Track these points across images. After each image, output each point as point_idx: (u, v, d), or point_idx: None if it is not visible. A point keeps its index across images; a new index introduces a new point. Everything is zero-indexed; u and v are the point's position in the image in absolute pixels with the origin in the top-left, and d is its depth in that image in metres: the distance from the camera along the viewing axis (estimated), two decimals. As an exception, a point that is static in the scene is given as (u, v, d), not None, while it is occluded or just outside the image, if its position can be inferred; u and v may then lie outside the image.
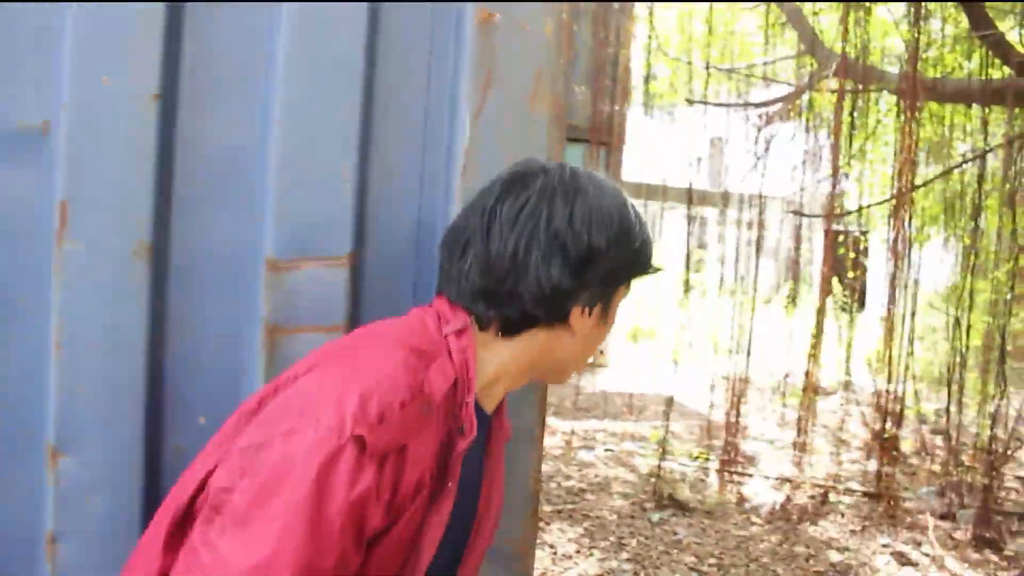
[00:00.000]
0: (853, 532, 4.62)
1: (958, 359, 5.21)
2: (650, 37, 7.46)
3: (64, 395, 1.16)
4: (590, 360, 1.14)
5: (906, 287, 5.28)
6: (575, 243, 0.98)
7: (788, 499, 4.87)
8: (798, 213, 5.88)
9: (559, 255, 0.97)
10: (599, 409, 7.42)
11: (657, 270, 1.10)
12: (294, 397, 0.91)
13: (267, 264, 1.22)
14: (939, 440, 6.09)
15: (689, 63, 7.41)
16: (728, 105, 6.50)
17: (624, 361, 9.94)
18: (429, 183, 1.30)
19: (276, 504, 0.82)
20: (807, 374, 5.23)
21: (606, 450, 6.05)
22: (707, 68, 6.50)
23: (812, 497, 5.00)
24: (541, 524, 4.45)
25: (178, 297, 1.22)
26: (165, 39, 1.18)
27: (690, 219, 6.26)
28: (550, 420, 6.90)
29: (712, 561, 4.10)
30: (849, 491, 5.24)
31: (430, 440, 0.92)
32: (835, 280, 8.84)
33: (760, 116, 7.12)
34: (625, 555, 4.10)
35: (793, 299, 9.02)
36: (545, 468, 5.48)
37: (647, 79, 7.96)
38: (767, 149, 6.33)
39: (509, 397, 1.32)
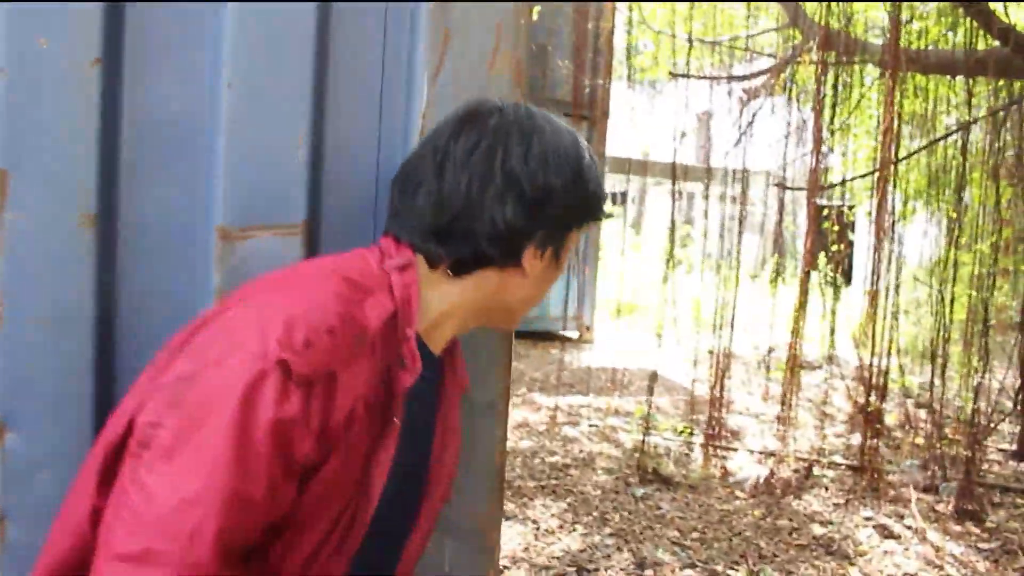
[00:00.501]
0: (837, 505, 4.64)
1: (942, 333, 5.22)
2: (631, 10, 7.41)
3: (9, 370, 1.13)
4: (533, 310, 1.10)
5: (890, 261, 5.27)
6: (531, 182, 0.97)
7: (772, 473, 4.88)
8: (781, 186, 5.86)
9: (514, 194, 0.96)
10: (584, 384, 7.41)
11: (608, 216, 1.09)
12: (221, 328, 0.90)
13: (218, 233, 1.18)
14: (923, 413, 6.11)
15: (673, 36, 7.35)
16: (711, 78, 6.45)
17: (610, 337, 9.95)
18: (386, 148, 1.26)
19: (202, 435, 0.81)
20: (791, 348, 5.22)
21: (591, 425, 6.05)
22: (689, 41, 6.45)
23: (796, 471, 5.01)
24: (524, 500, 4.44)
25: (127, 268, 1.18)
26: (106, 3, 1.13)
27: (675, 194, 6.23)
28: (535, 396, 6.90)
29: (695, 535, 4.11)
30: (833, 464, 5.26)
31: (364, 371, 0.90)
32: (821, 254, 8.84)
33: (744, 90, 7.09)
34: (608, 530, 4.10)
35: (778, 273, 9.03)
36: (528, 444, 5.47)
37: (629, 52, 7.90)
38: (751, 123, 6.30)
39: (472, 369, 1.29)
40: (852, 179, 6.26)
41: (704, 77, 6.82)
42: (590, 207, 1.03)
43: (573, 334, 10.43)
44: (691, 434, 5.79)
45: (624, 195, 16.36)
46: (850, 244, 9.12)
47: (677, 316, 5.88)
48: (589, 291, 10.49)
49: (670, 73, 6.61)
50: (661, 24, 8.68)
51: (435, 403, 1.10)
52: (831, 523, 4.37)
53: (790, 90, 6.49)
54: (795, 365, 5.08)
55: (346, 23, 1.25)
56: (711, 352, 5.81)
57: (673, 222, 5.81)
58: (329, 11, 1.24)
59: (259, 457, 0.81)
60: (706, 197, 6.40)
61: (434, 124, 1.22)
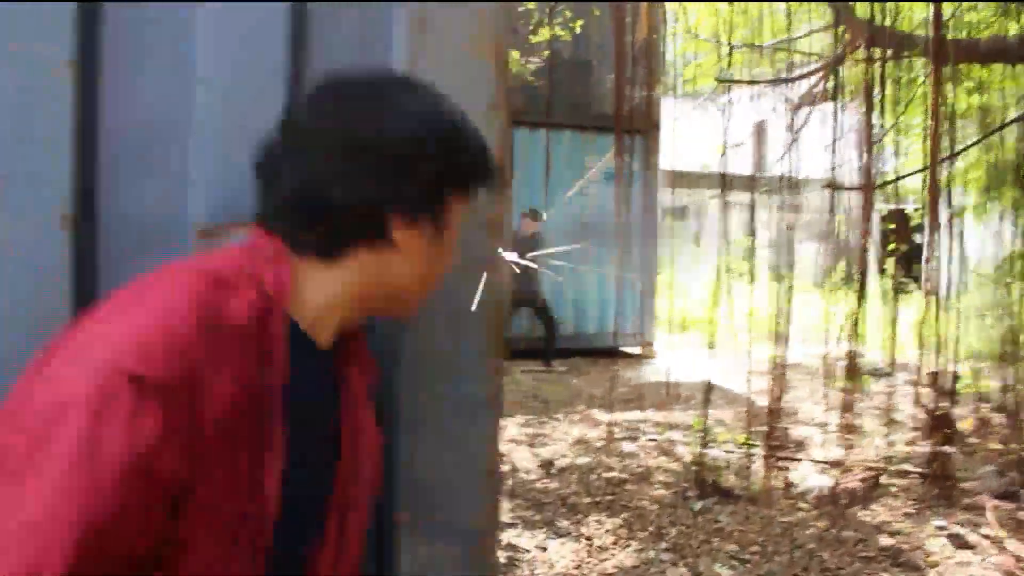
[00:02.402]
0: (906, 515, 4.45)
1: (1016, 333, 5.00)
2: (677, 19, 7.35)
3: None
4: (430, 289, 1.04)
5: (957, 261, 5.08)
6: (382, 149, 0.91)
7: (836, 483, 4.71)
8: (833, 187, 5.70)
9: (365, 162, 0.90)
10: (644, 400, 7.30)
11: (492, 181, 1.02)
12: (71, 341, 0.83)
13: (196, 231, 1.18)
14: (1002, 418, 5.84)
15: (719, 43, 7.26)
16: (758, 83, 6.33)
17: (672, 352, 9.80)
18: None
19: (47, 457, 0.74)
20: (854, 354, 5.07)
21: (649, 440, 5.94)
22: (729, 47, 6.37)
23: (863, 480, 4.83)
24: (579, 516, 4.37)
25: (106, 268, 1.17)
26: (79, 4, 1.14)
27: (731, 205, 6.11)
28: (593, 412, 6.82)
29: (755, 548, 3.98)
30: (902, 473, 5.05)
31: (233, 373, 0.83)
32: (887, 259, 8.57)
33: (796, 96, 6.93)
34: (664, 545, 4.01)
35: (844, 280, 8.79)
36: (586, 460, 5.40)
37: (674, 63, 7.83)
38: (802, 129, 6.16)
39: (459, 365, 1.27)
40: (901, 177, 6.05)
41: (751, 82, 6.70)
42: (461, 172, 0.96)
43: (635, 350, 10.32)
44: (753, 446, 5.64)
45: (684, 209, 16.18)
46: (917, 246, 8.82)
47: (738, 327, 5.78)
48: (649, 307, 10.37)
49: (716, 79, 6.52)
50: (707, 31, 8.59)
51: (335, 401, 1.01)
52: (900, 533, 4.19)
53: (840, 91, 6.33)
54: (855, 371, 4.92)
55: (323, 20, 1.25)
56: (773, 362, 5.66)
57: (733, 233, 5.71)
58: (305, 8, 1.24)
59: (115, 484, 0.73)
60: (764, 208, 6.26)
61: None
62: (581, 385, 8.04)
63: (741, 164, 6.15)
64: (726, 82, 6.90)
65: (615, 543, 4.02)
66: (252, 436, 0.85)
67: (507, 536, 4.08)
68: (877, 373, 7.67)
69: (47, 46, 1.12)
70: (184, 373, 0.78)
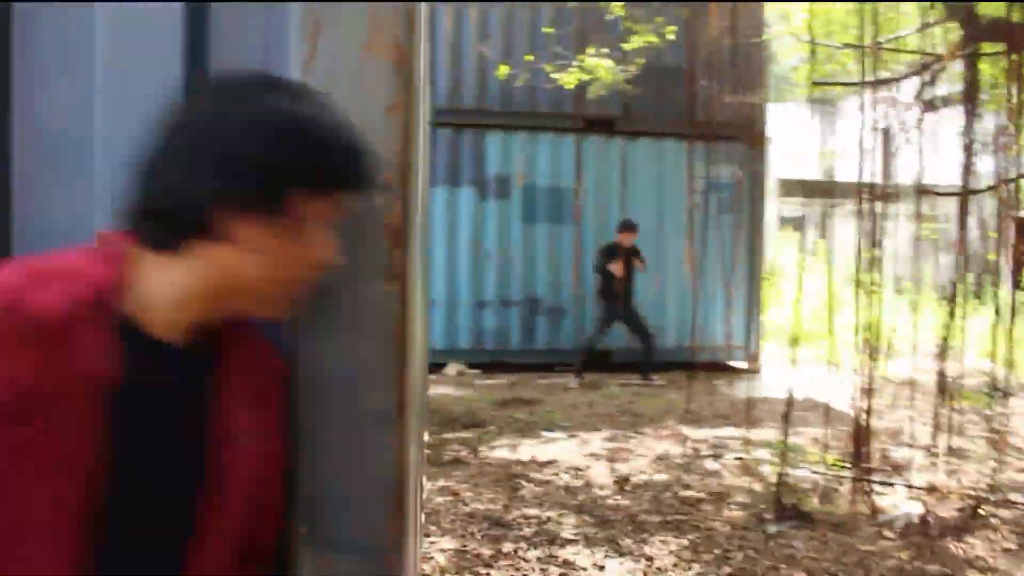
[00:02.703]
0: (1005, 551, 4.08)
1: None
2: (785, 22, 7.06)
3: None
4: (297, 289, 1.04)
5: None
6: (215, 145, 0.92)
7: (928, 511, 4.38)
8: (964, 193, 5.30)
9: (200, 158, 0.92)
10: (740, 415, 7.02)
11: (358, 182, 1.01)
12: None
13: (96, 236, 1.19)
14: None
15: (843, 47, 6.92)
16: (861, 84, 5.97)
17: (779, 366, 9.41)
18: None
19: None
20: (972, 372, 4.71)
21: (736, 458, 5.71)
22: (845, 47, 6.06)
23: (959, 509, 4.47)
24: (644, 535, 4.23)
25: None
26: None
27: (851, 214, 5.82)
28: (682, 428, 6.62)
29: (825, 578, 3.74)
30: (1007, 503, 4.64)
31: (27, 361, 0.86)
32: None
33: (920, 99, 6.51)
34: (727, 569, 3.82)
35: (972, 293, 8.21)
36: (663, 477, 5.23)
37: (784, 67, 7.54)
38: (925, 133, 5.77)
39: (357, 376, 1.22)
40: (1014, 180, 5.59)
41: (857, 83, 6.35)
42: (308, 170, 0.95)
43: (740, 364, 9.98)
44: (844, 467, 5.32)
45: (801, 219, 15.56)
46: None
47: (852, 342, 5.48)
48: (755, 319, 10.01)
49: (814, 83, 6.22)
50: (819, 34, 8.24)
51: (194, 399, 1.00)
52: (994, 571, 3.84)
53: (971, 90, 5.89)
54: (971, 390, 4.57)
55: (225, 23, 1.25)
56: (876, 377, 5.33)
57: (858, 244, 5.41)
58: (207, 11, 1.24)
59: None
60: (891, 217, 5.91)
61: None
62: (677, 399, 7.82)
63: (862, 171, 5.81)
64: (835, 85, 6.59)
65: (675, 565, 3.86)
66: (54, 422, 0.88)
67: (565, 552, 3.99)
68: (997, 392, 7.11)
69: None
70: None
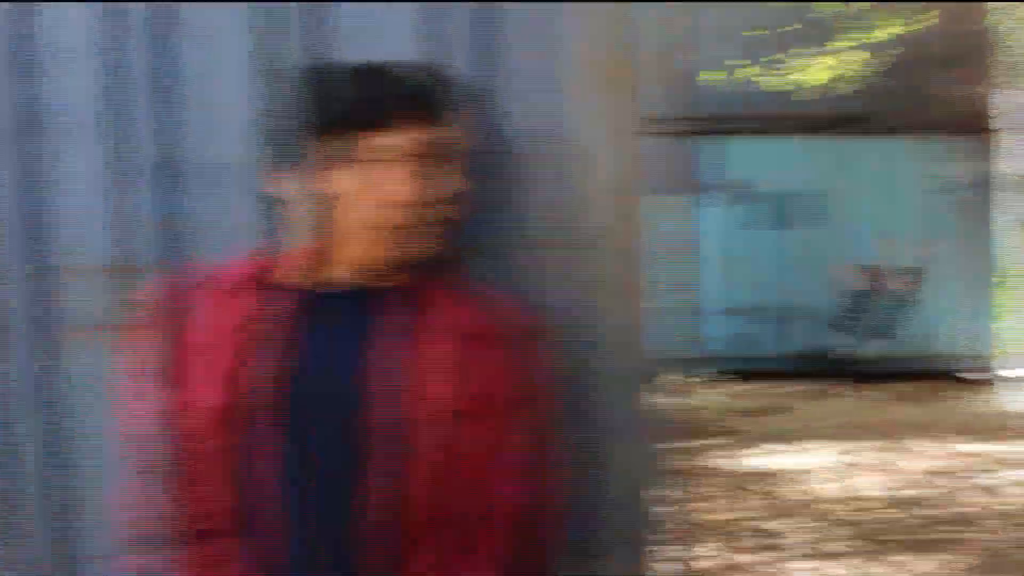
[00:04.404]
0: None
1: None
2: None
3: None
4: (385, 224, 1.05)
5: None
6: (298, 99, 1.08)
7: None
8: None
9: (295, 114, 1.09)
10: (984, 431, 6.55)
11: (421, 117, 1.04)
12: None
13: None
14: None
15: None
16: None
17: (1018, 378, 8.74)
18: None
19: None
20: None
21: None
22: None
23: None
24: (924, 552, 4.00)
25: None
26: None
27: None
28: (945, 441, 6.20)
29: None
30: None
31: (206, 312, 1.09)
32: None
33: None
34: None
35: None
36: (911, 493, 4.94)
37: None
38: None
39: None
40: None
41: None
42: (358, 110, 1.02)
43: (970, 375, 9.33)
44: None
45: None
46: None
47: None
48: (986, 328, 9.32)
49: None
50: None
51: (374, 329, 1.05)
52: None
53: None
54: None
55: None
56: None
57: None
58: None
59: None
60: None
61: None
62: (905, 412, 7.43)
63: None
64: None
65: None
66: (229, 347, 1.06)
67: (838, 568, 3.84)
68: None
69: None
70: (181, 307, 1.09)
